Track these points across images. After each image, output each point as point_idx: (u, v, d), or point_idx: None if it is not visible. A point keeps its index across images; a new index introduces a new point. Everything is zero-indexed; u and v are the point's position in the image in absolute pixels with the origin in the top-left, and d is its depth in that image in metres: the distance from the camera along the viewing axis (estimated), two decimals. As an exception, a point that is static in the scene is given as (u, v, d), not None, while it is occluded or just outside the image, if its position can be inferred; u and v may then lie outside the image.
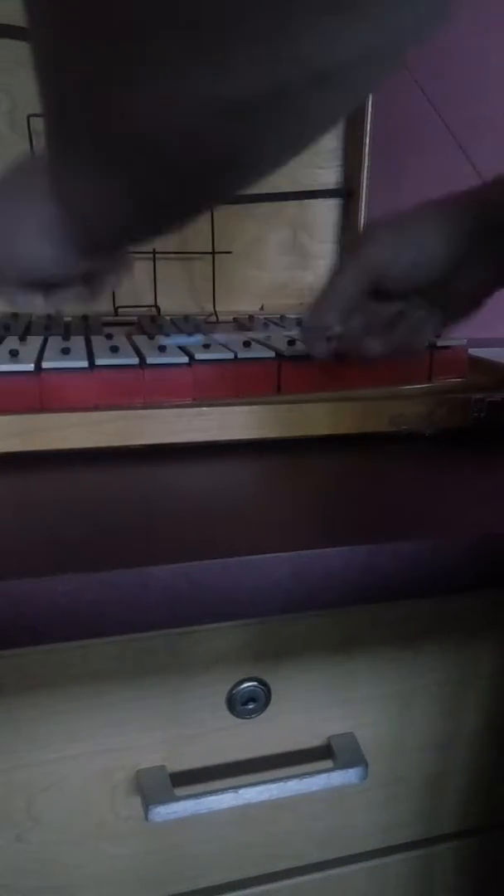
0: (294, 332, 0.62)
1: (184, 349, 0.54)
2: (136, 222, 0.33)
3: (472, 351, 0.62)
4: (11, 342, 0.54)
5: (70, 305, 0.43)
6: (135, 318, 0.78)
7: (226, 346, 0.55)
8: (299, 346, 0.55)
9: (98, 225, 0.33)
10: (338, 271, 0.51)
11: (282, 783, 0.42)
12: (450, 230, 0.48)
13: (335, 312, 0.51)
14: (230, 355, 0.53)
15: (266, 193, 0.85)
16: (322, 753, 0.46)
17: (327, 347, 0.52)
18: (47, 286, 0.40)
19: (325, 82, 0.22)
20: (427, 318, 0.50)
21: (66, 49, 0.24)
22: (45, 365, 0.48)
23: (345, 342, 0.52)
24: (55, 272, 0.37)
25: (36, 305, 0.41)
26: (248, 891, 0.48)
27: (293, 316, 0.76)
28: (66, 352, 0.51)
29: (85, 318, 0.74)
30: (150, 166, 0.27)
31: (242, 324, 0.75)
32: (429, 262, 0.49)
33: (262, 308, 0.87)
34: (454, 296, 0.51)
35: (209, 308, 0.84)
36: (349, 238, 0.88)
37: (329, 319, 0.51)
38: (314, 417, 0.51)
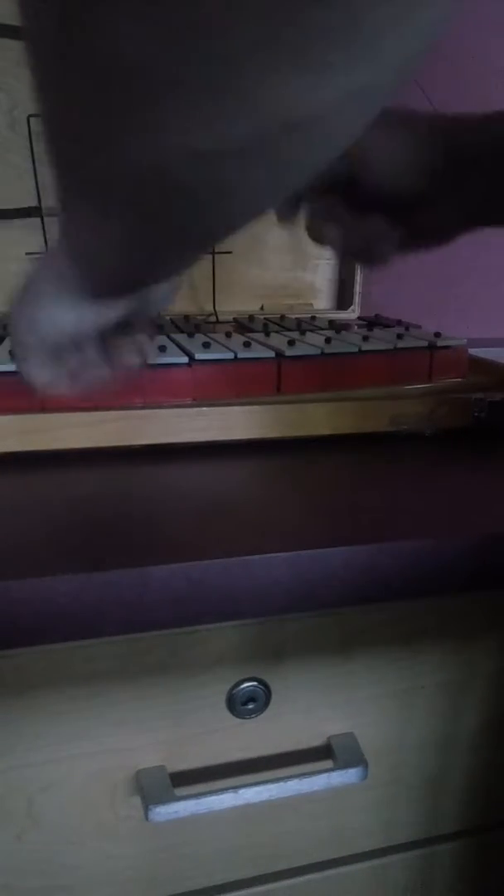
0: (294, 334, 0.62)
1: (183, 348, 0.54)
2: (136, 267, 0.32)
3: (472, 351, 0.62)
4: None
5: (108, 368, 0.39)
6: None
7: (225, 346, 0.55)
8: (299, 347, 0.55)
9: (103, 271, 0.33)
10: None
11: (282, 783, 0.42)
12: (422, 149, 0.47)
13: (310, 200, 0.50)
14: (230, 355, 0.53)
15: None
16: (322, 753, 0.46)
17: (291, 214, 0.51)
18: (67, 352, 0.38)
19: (299, 131, 0.22)
20: (387, 233, 0.49)
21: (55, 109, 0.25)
22: (45, 365, 0.48)
23: (310, 224, 0.51)
24: (73, 325, 0.36)
25: (60, 379, 0.38)
26: (248, 891, 0.48)
27: (293, 316, 0.76)
28: (66, 352, 0.51)
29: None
30: (135, 212, 0.27)
31: (242, 324, 0.75)
32: (399, 174, 0.48)
33: (262, 308, 0.87)
34: (423, 221, 0.50)
35: (209, 308, 0.84)
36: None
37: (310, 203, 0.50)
38: (314, 417, 0.51)
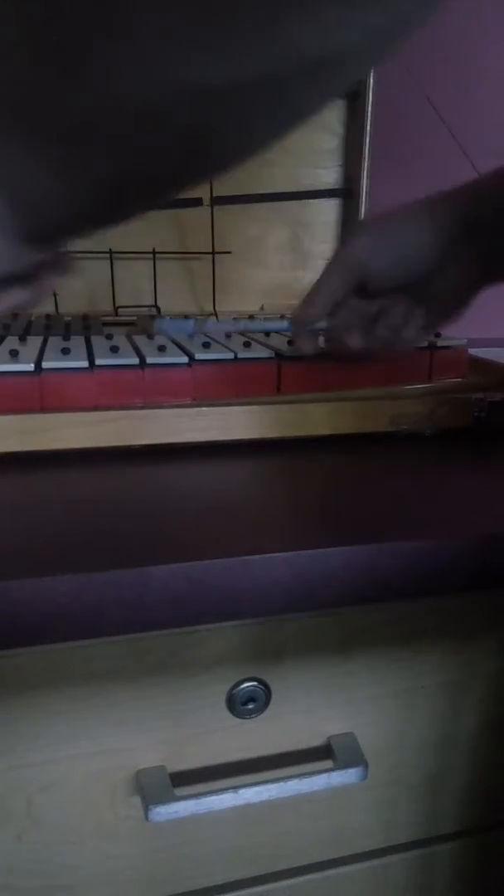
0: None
1: (183, 349, 0.54)
2: (89, 212, 0.30)
3: (472, 351, 0.62)
4: (11, 342, 0.54)
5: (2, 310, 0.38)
6: (135, 318, 0.78)
7: (225, 346, 0.55)
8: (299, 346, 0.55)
9: (46, 214, 0.31)
10: (325, 269, 0.52)
11: (282, 783, 0.42)
12: (432, 229, 0.48)
13: (321, 308, 0.51)
14: (230, 355, 0.53)
15: (266, 193, 0.85)
16: (322, 753, 0.46)
17: (315, 343, 0.52)
18: None
19: (319, 70, 0.20)
20: (410, 316, 0.50)
21: (30, 8, 0.21)
22: (45, 365, 0.48)
23: (331, 338, 0.52)
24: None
25: None
26: (248, 891, 0.48)
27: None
28: (66, 352, 0.51)
29: (85, 317, 0.74)
30: (115, 151, 0.25)
31: (242, 324, 0.75)
32: (411, 260, 0.49)
33: (262, 308, 0.87)
34: (438, 294, 0.51)
35: (209, 308, 0.84)
36: (349, 238, 0.88)
37: (315, 315, 0.51)
38: (314, 417, 0.51)
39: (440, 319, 0.53)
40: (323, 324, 0.52)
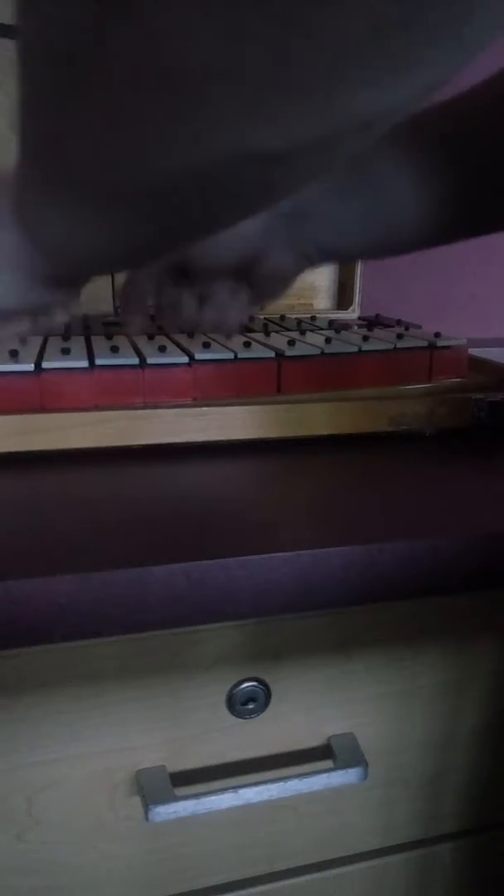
0: (294, 334, 0.62)
1: (183, 348, 0.54)
2: (118, 261, 0.32)
3: (472, 351, 0.62)
4: (11, 342, 0.54)
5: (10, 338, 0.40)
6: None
7: (225, 346, 0.55)
8: (299, 347, 0.55)
9: (67, 259, 0.31)
10: None
11: (282, 783, 0.42)
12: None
13: (143, 291, 0.51)
14: (230, 355, 0.53)
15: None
16: (322, 753, 0.46)
17: (141, 323, 0.53)
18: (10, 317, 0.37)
19: (367, 128, 0.21)
20: (232, 298, 0.50)
21: (91, 77, 0.22)
22: (45, 365, 0.48)
23: (166, 314, 0.52)
24: (14, 304, 0.35)
25: None
26: (248, 891, 0.48)
27: (293, 316, 0.76)
28: (66, 352, 0.51)
29: (85, 318, 0.74)
30: (159, 213, 0.26)
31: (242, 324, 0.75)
32: (229, 244, 0.48)
33: (262, 308, 0.87)
34: (260, 277, 0.51)
35: (209, 308, 0.84)
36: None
37: (139, 297, 0.51)
38: (314, 417, 0.51)
39: (265, 299, 0.53)
40: (148, 303, 0.53)
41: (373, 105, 0.20)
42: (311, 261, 0.51)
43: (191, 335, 0.58)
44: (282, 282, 0.52)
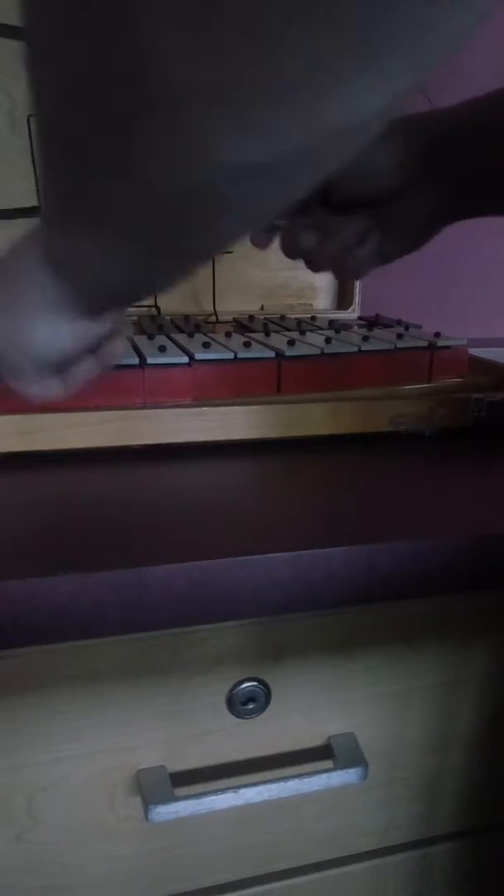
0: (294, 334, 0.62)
1: (183, 348, 0.54)
2: (143, 283, 0.32)
3: (472, 351, 0.62)
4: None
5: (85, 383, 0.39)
6: (135, 318, 0.78)
7: (225, 346, 0.55)
8: (299, 347, 0.55)
9: (103, 287, 0.32)
10: None
11: (282, 783, 0.42)
12: (400, 147, 0.48)
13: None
14: (230, 355, 0.53)
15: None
16: (322, 753, 0.46)
17: (267, 238, 0.52)
18: (60, 366, 0.37)
19: (344, 136, 0.21)
20: (364, 237, 0.50)
21: (91, 122, 0.23)
22: (45, 365, 0.48)
23: (286, 237, 0.51)
24: (69, 346, 0.35)
25: (54, 390, 0.38)
26: (248, 891, 0.48)
27: (293, 316, 0.76)
28: (66, 352, 0.51)
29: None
30: (161, 232, 0.26)
31: (242, 324, 0.75)
32: (377, 175, 0.48)
33: (262, 308, 0.87)
34: (399, 221, 0.50)
35: (209, 308, 0.84)
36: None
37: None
38: (314, 417, 0.51)
39: (396, 250, 0.52)
40: (281, 222, 0.51)
41: (343, 113, 0.20)
42: (454, 214, 0.50)
43: (191, 333, 0.58)
44: (417, 233, 0.51)
